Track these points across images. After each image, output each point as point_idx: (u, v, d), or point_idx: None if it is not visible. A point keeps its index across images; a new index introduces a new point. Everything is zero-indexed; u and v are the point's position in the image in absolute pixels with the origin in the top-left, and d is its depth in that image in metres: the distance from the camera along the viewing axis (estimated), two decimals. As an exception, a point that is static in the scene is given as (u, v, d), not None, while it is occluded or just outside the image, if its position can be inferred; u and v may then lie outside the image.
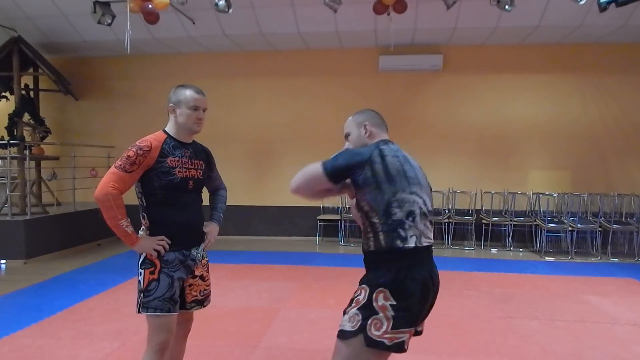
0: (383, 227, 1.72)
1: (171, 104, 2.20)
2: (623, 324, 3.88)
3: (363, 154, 1.77)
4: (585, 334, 3.65)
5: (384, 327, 1.64)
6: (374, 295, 1.67)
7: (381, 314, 1.65)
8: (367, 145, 1.90)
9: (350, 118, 2.04)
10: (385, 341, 1.64)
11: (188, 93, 2.17)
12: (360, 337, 1.65)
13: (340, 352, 1.72)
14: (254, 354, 3.26)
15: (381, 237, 1.72)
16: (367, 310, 1.67)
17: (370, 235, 1.76)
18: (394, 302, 1.65)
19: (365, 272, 1.80)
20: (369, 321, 1.65)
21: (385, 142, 1.90)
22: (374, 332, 1.64)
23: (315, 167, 1.81)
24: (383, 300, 1.66)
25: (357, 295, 1.73)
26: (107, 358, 3.17)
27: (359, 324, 1.66)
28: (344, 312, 1.78)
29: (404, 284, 1.68)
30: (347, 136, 2.02)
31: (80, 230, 6.99)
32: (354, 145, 1.97)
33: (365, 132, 1.95)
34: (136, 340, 3.42)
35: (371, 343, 1.64)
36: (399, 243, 1.70)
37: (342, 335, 1.71)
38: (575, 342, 3.47)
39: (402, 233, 1.70)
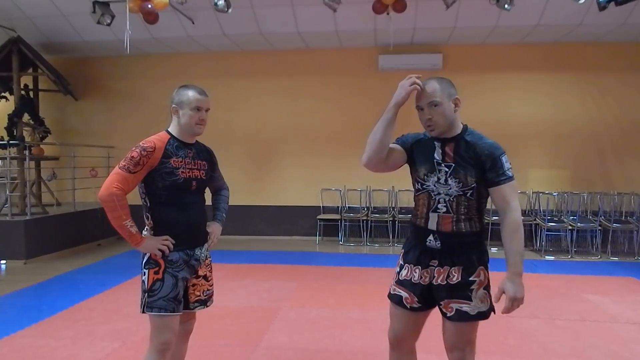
0: (480, 214, 1.95)
1: (174, 105, 2.20)
2: (623, 323, 3.88)
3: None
4: (586, 332, 3.66)
5: (491, 295, 1.96)
6: (488, 273, 1.97)
7: (490, 286, 1.97)
8: (478, 134, 1.98)
9: (436, 83, 1.94)
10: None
11: (190, 94, 2.18)
12: (490, 311, 1.96)
13: (471, 328, 1.96)
14: (254, 353, 3.26)
15: (477, 221, 1.94)
16: (488, 287, 1.96)
17: (472, 216, 1.92)
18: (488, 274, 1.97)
19: (455, 251, 1.93)
20: (490, 294, 1.96)
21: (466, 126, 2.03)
22: (492, 302, 1.97)
23: (515, 185, 1.90)
24: (488, 274, 1.97)
25: (476, 277, 1.93)
26: (107, 358, 3.17)
27: (489, 300, 1.95)
28: (462, 297, 1.90)
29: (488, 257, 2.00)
30: (433, 104, 1.90)
31: (80, 230, 6.98)
32: (443, 117, 1.90)
33: (456, 107, 1.96)
34: (136, 340, 3.42)
35: (493, 310, 1.97)
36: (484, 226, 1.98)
37: (483, 315, 1.93)
38: (576, 341, 3.48)
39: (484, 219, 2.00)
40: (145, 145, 2.10)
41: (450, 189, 1.89)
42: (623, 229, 6.73)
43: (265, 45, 7.54)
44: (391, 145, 2.00)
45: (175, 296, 2.12)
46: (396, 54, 7.28)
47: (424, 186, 1.96)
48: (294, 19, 6.62)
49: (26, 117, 7.15)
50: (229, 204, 2.58)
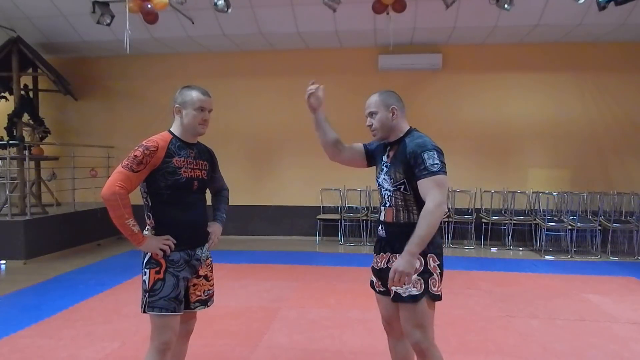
0: (419, 205, 2.05)
1: (177, 105, 2.20)
2: (623, 323, 3.88)
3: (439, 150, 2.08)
4: (585, 332, 3.66)
5: (437, 283, 2.09)
6: (427, 260, 2.07)
7: (434, 274, 2.08)
8: (417, 133, 2.17)
9: (376, 97, 2.20)
10: (440, 293, 2.11)
11: (194, 94, 2.19)
12: (426, 296, 2.05)
13: (413, 312, 2.06)
14: (254, 353, 3.27)
15: (419, 212, 2.03)
16: (426, 273, 2.06)
17: (414, 209, 2.10)
18: (438, 262, 2.11)
19: (397, 241, 2.10)
20: (429, 282, 2.07)
21: (414, 130, 2.20)
22: (434, 289, 2.07)
23: (442, 179, 2.02)
24: (432, 262, 2.09)
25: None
26: (107, 358, 3.17)
27: (423, 286, 2.05)
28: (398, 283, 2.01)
29: (440, 246, 2.16)
30: (372, 114, 2.19)
31: (80, 231, 6.98)
32: (380, 124, 2.16)
33: (393, 116, 2.16)
34: (136, 340, 3.41)
35: (434, 297, 2.08)
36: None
37: (413, 298, 2.04)
38: (575, 341, 3.48)
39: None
40: (148, 144, 2.11)
41: (388, 185, 2.17)
42: (623, 228, 6.73)
43: (265, 45, 7.54)
44: (355, 144, 2.39)
45: (176, 296, 2.13)
46: (396, 54, 7.28)
47: (378, 184, 2.28)
48: (293, 19, 6.62)
49: (26, 117, 7.16)
50: (229, 204, 2.58)
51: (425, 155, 2.02)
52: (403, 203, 2.12)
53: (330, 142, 2.33)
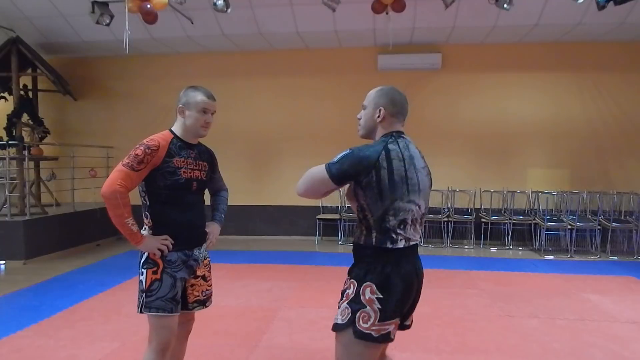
0: (376, 228, 1.77)
1: (181, 105, 2.20)
2: (623, 322, 3.88)
3: (370, 158, 1.74)
4: (585, 332, 3.66)
5: (372, 320, 1.71)
6: (362, 289, 1.74)
7: (368, 307, 1.71)
8: (375, 142, 1.87)
9: (373, 92, 1.95)
10: (373, 333, 1.71)
11: (198, 97, 2.18)
12: (350, 330, 1.72)
13: (337, 344, 1.80)
14: (254, 353, 3.27)
15: (373, 235, 1.77)
16: (356, 304, 1.73)
17: (364, 229, 1.81)
18: (380, 296, 1.72)
19: (353, 262, 1.85)
20: (358, 314, 1.72)
21: (396, 137, 1.85)
22: (362, 325, 1.71)
23: (320, 171, 1.79)
24: (370, 294, 1.72)
25: (347, 289, 1.80)
26: (107, 358, 3.17)
27: (349, 317, 1.74)
28: (338, 306, 1.83)
29: (389, 278, 1.74)
30: (363, 107, 1.96)
31: (79, 231, 6.98)
32: (364, 121, 1.92)
33: (378, 117, 1.88)
34: (136, 340, 3.41)
35: (360, 335, 1.71)
36: (388, 244, 1.76)
37: (336, 327, 1.78)
38: (575, 341, 3.48)
39: (394, 236, 1.76)
40: (149, 143, 2.10)
41: None
42: (622, 228, 6.73)
43: (264, 45, 7.54)
44: None
45: (174, 296, 2.12)
46: (395, 53, 7.28)
47: None
48: (293, 19, 6.62)
49: (25, 118, 7.14)
50: (228, 204, 2.58)
51: (336, 158, 1.80)
52: (358, 220, 1.86)
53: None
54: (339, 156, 1.78)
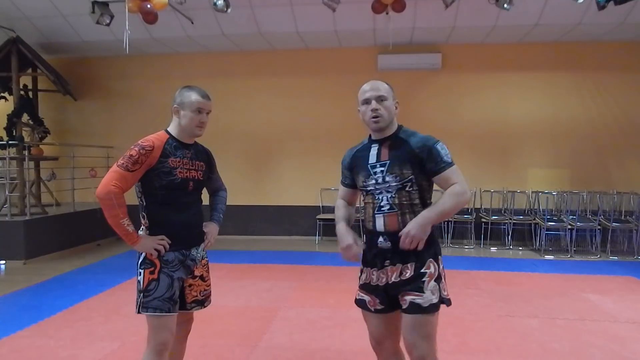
0: (427, 205, 2.01)
1: (175, 105, 2.20)
2: (623, 322, 3.88)
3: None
4: (585, 332, 3.66)
5: (446, 287, 2.00)
6: (438, 264, 1.99)
7: (443, 277, 2.00)
8: (404, 127, 2.09)
9: (384, 84, 2.07)
10: (449, 296, 2.00)
11: (193, 96, 2.17)
12: (439, 303, 1.94)
13: (424, 322, 1.92)
14: (253, 353, 3.26)
15: None
16: (439, 278, 1.96)
17: (420, 210, 1.97)
18: (442, 264, 2.02)
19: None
20: (442, 286, 1.97)
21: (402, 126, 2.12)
22: (445, 294, 1.98)
23: (457, 169, 2.00)
24: (441, 265, 2.01)
25: (426, 269, 1.95)
26: (107, 358, 3.17)
27: (439, 293, 1.94)
28: (421, 289, 1.91)
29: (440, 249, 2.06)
30: (381, 99, 2.02)
31: (79, 231, 6.98)
32: (388, 113, 2.02)
33: (396, 109, 2.07)
34: (136, 340, 3.41)
35: (448, 302, 1.99)
36: None
37: (433, 307, 1.92)
38: (575, 341, 3.48)
39: None
40: (144, 144, 2.10)
41: (389, 185, 1.98)
42: (622, 228, 6.73)
43: (264, 45, 7.54)
44: (346, 193, 2.27)
45: (171, 296, 2.12)
46: (395, 53, 7.28)
47: (367, 190, 2.06)
48: (293, 19, 6.62)
49: (25, 118, 7.15)
50: (227, 204, 2.58)
51: (439, 147, 1.96)
52: (409, 204, 1.96)
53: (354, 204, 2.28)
54: (446, 150, 1.98)
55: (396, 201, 1.96)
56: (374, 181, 2.01)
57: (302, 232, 7.92)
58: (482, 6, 5.94)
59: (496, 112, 7.51)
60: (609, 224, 6.57)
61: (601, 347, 3.35)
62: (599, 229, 6.64)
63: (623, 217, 6.95)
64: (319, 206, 7.75)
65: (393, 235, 1.94)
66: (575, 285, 5.02)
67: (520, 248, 7.11)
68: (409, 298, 1.91)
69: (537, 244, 6.97)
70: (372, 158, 2.04)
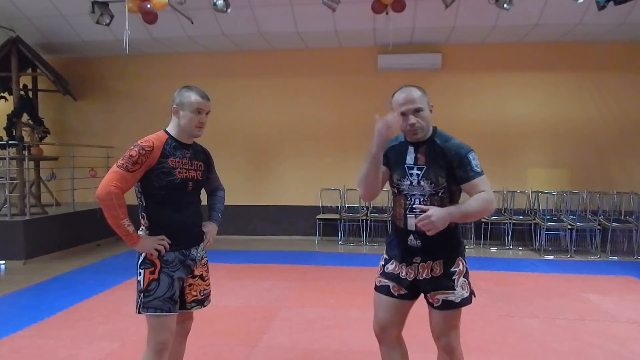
0: None
1: (175, 105, 2.20)
2: (623, 322, 3.88)
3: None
4: (585, 332, 3.66)
5: (469, 282, 2.14)
6: (465, 261, 2.12)
7: (469, 272, 2.13)
8: (438, 130, 2.11)
9: (418, 91, 2.02)
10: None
11: (192, 97, 2.18)
12: (471, 297, 2.11)
13: (454, 315, 2.11)
14: (253, 353, 3.27)
15: None
16: (467, 274, 2.11)
17: None
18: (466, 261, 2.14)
19: (441, 245, 2.05)
20: (470, 281, 2.13)
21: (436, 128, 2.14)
22: (472, 288, 2.13)
23: (486, 179, 2.02)
24: (466, 263, 2.13)
25: (455, 268, 2.08)
26: (107, 358, 3.17)
27: (469, 287, 2.11)
28: (452, 287, 2.05)
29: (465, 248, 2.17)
30: (418, 111, 2.00)
31: (79, 231, 6.98)
32: (427, 124, 2.03)
33: (430, 112, 2.07)
34: (136, 340, 3.41)
35: (474, 295, 2.14)
36: None
37: (465, 301, 2.08)
38: (575, 341, 3.48)
39: None
40: (143, 144, 2.10)
41: (423, 189, 2.03)
42: (622, 228, 6.73)
43: (264, 45, 7.54)
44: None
45: (171, 296, 2.12)
46: (395, 53, 7.28)
47: (400, 189, 2.11)
48: (293, 19, 6.62)
49: (25, 117, 7.14)
50: (226, 204, 2.58)
51: (470, 156, 1.99)
52: (440, 206, 1.98)
53: (380, 180, 2.08)
54: (477, 160, 2.00)
55: (428, 204, 2.01)
56: (408, 182, 2.06)
57: (302, 232, 7.92)
58: (482, 6, 5.94)
59: (496, 112, 7.51)
60: (608, 224, 6.57)
61: (601, 347, 3.35)
62: (598, 229, 6.64)
63: (623, 217, 6.95)
64: (319, 206, 7.74)
65: (424, 235, 1.99)
66: (575, 285, 5.02)
67: (520, 248, 7.11)
68: (441, 297, 2.05)
69: (537, 244, 6.97)
70: (410, 159, 2.08)
